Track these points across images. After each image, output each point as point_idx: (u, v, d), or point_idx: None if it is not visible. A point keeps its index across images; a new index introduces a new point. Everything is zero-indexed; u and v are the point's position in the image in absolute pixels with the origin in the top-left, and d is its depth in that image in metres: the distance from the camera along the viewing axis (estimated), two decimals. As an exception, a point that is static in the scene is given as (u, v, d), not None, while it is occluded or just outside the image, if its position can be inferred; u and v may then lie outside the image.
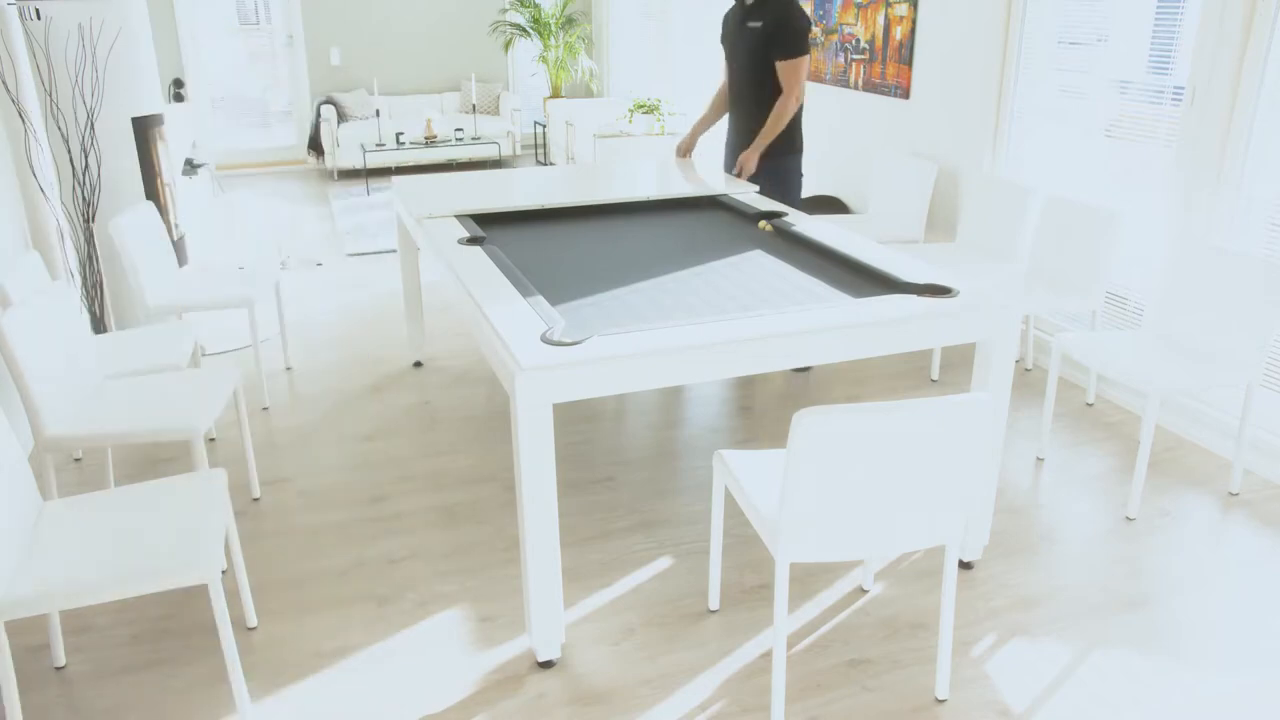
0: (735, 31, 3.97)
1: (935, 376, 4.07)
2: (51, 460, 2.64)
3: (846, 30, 5.29)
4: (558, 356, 2.11)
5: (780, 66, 3.80)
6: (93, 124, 3.91)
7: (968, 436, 1.95)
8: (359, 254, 6.12)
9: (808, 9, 5.66)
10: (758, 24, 3.82)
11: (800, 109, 3.92)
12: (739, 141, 4.08)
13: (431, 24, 9.19)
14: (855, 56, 5.24)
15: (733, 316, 2.37)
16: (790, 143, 3.95)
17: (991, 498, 2.68)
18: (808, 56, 3.81)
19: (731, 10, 4.06)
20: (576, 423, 3.70)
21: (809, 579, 2.70)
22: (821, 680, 2.31)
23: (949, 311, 2.41)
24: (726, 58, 4.09)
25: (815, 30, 5.74)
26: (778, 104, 3.83)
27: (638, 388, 2.20)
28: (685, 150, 4.37)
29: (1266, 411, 3.29)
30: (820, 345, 2.32)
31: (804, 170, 6.18)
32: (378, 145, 8.10)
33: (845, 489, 1.95)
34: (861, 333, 2.34)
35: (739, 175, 3.95)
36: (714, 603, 2.59)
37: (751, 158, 3.90)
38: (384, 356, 4.38)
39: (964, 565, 2.75)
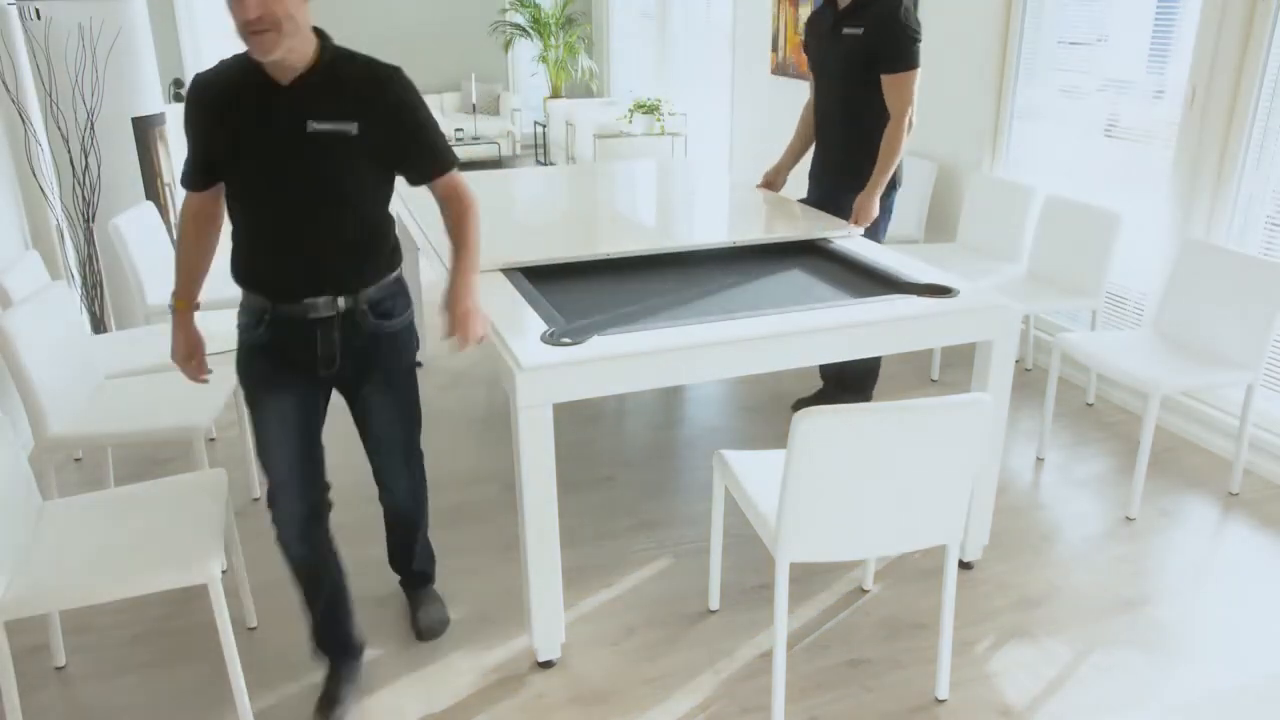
0: (825, 38, 3.34)
1: (935, 376, 4.07)
2: (51, 460, 2.64)
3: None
4: (558, 356, 2.11)
5: (886, 83, 3.18)
6: (93, 124, 3.91)
7: (968, 436, 1.95)
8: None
9: (805, 10, 5.64)
10: (856, 30, 3.21)
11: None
12: (825, 175, 3.48)
13: (431, 24, 9.19)
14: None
15: (733, 316, 2.37)
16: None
17: (991, 498, 2.68)
18: (919, 70, 3.18)
19: (818, 12, 3.42)
20: (576, 423, 3.70)
21: (809, 579, 2.70)
22: (821, 680, 2.31)
23: (949, 311, 2.41)
24: (813, 70, 3.47)
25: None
26: (888, 130, 3.21)
27: (638, 387, 2.20)
28: (772, 183, 3.68)
29: (1267, 411, 3.29)
30: (820, 345, 2.32)
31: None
32: (378, 145, 8.08)
33: (845, 489, 1.95)
34: (861, 333, 2.34)
35: (856, 223, 3.26)
36: (714, 603, 2.59)
37: (870, 203, 3.24)
38: (384, 356, 4.37)
39: (964, 565, 2.75)
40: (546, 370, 2.08)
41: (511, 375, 2.09)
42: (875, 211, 3.25)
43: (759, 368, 2.29)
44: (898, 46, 3.15)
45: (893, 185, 3.35)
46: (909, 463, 1.95)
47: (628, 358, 2.14)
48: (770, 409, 3.81)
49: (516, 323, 2.31)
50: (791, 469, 1.91)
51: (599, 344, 2.17)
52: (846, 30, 3.24)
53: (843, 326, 2.32)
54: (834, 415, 1.87)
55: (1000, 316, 2.45)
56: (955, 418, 1.92)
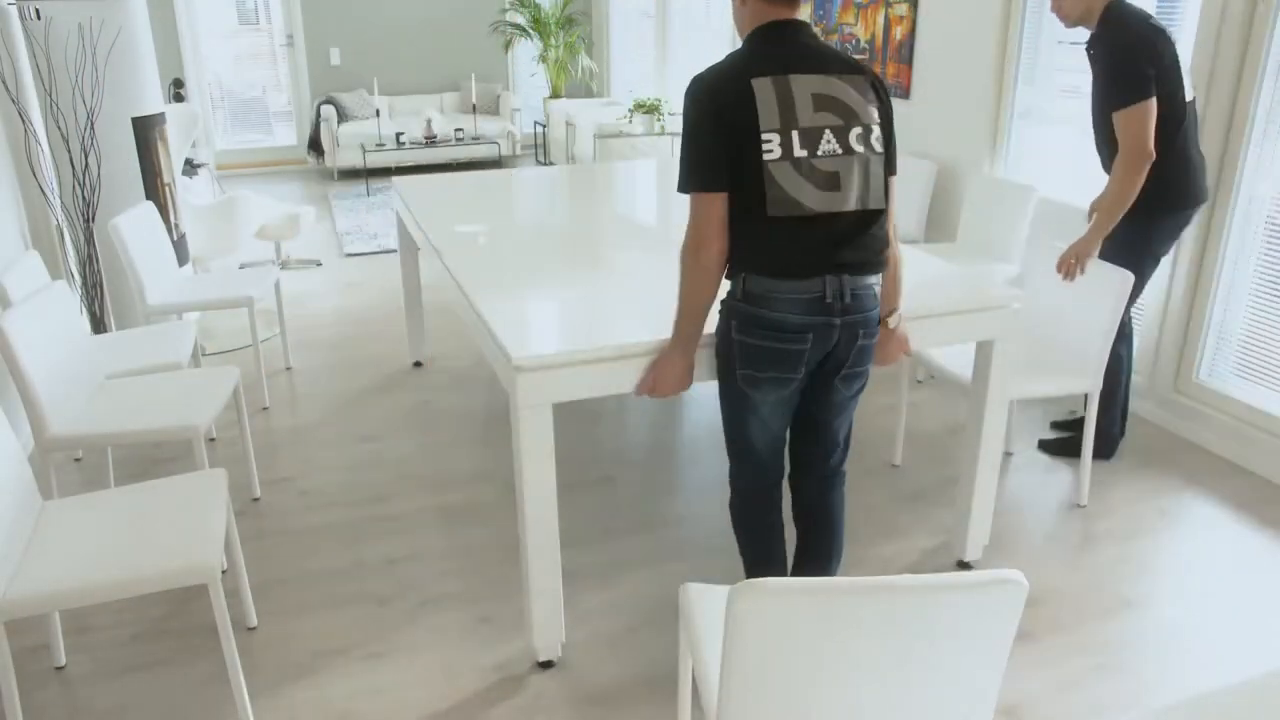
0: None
1: (920, 378, 4.07)
2: (51, 460, 2.64)
3: (846, 30, 5.29)
4: (557, 356, 2.11)
5: (1115, 119, 2.82)
6: (93, 124, 3.91)
7: (986, 627, 1.33)
8: (358, 254, 6.13)
9: (807, 10, 5.65)
10: (1093, 53, 2.90)
11: (1174, 163, 2.88)
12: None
13: (431, 24, 9.20)
14: (855, 56, 5.24)
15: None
16: (1155, 195, 2.88)
17: (991, 498, 2.68)
18: (1149, 102, 2.75)
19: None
20: (576, 423, 3.70)
21: (809, 579, 2.70)
22: (821, 680, 2.31)
23: (949, 311, 2.41)
24: None
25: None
26: (1114, 170, 2.83)
27: (638, 388, 2.20)
28: (1072, 266, 2.97)
29: (1266, 411, 3.29)
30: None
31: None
32: (378, 145, 8.10)
33: (801, 694, 1.35)
34: (861, 333, 2.33)
35: (1065, 275, 2.94)
36: (714, 603, 2.58)
37: (1087, 247, 2.88)
38: (384, 356, 4.38)
39: (964, 565, 2.75)
40: (546, 370, 2.08)
41: (511, 375, 2.09)
42: (1087, 263, 2.89)
43: (759, 368, 2.28)
44: (1113, 79, 2.82)
45: (1155, 208, 2.90)
46: (897, 661, 1.33)
47: (627, 358, 2.14)
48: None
49: (516, 323, 2.31)
50: (729, 659, 1.33)
51: (599, 344, 2.17)
52: (1091, 51, 2.93)
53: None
54: (781, 594, 1.27)
55: (1000, 316, 2.45)
56: (967, 602, 1.30)
